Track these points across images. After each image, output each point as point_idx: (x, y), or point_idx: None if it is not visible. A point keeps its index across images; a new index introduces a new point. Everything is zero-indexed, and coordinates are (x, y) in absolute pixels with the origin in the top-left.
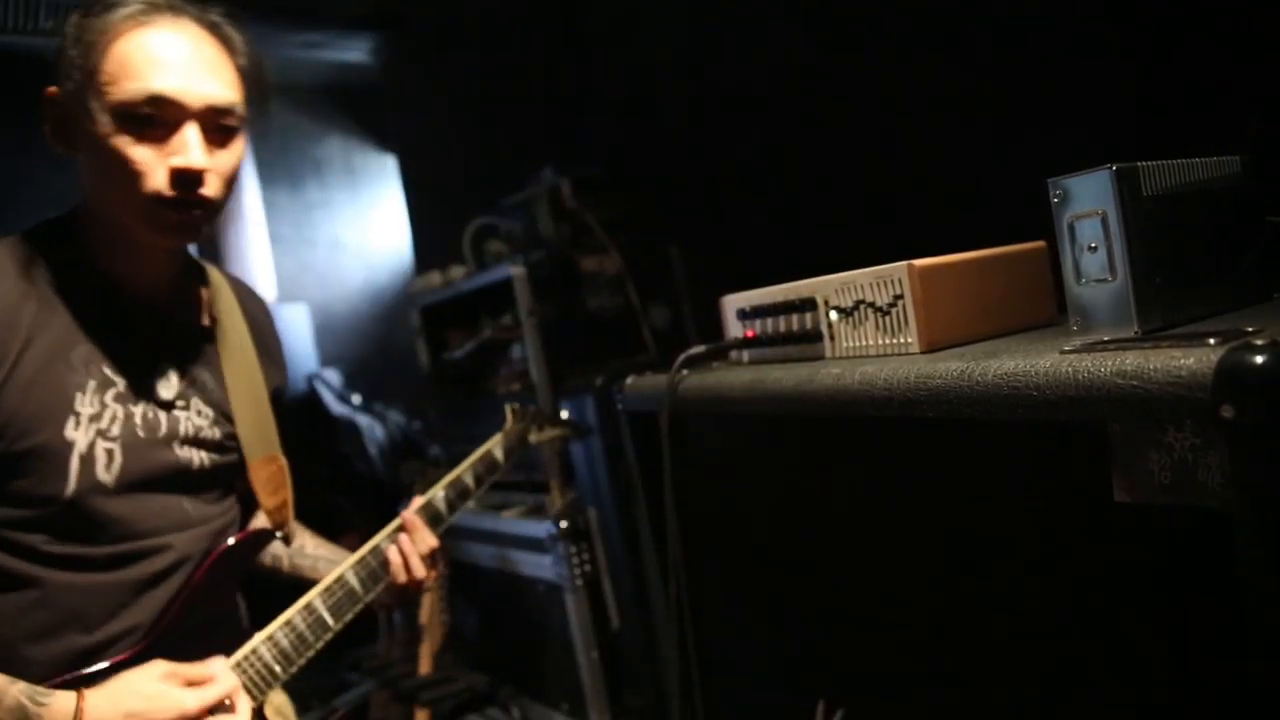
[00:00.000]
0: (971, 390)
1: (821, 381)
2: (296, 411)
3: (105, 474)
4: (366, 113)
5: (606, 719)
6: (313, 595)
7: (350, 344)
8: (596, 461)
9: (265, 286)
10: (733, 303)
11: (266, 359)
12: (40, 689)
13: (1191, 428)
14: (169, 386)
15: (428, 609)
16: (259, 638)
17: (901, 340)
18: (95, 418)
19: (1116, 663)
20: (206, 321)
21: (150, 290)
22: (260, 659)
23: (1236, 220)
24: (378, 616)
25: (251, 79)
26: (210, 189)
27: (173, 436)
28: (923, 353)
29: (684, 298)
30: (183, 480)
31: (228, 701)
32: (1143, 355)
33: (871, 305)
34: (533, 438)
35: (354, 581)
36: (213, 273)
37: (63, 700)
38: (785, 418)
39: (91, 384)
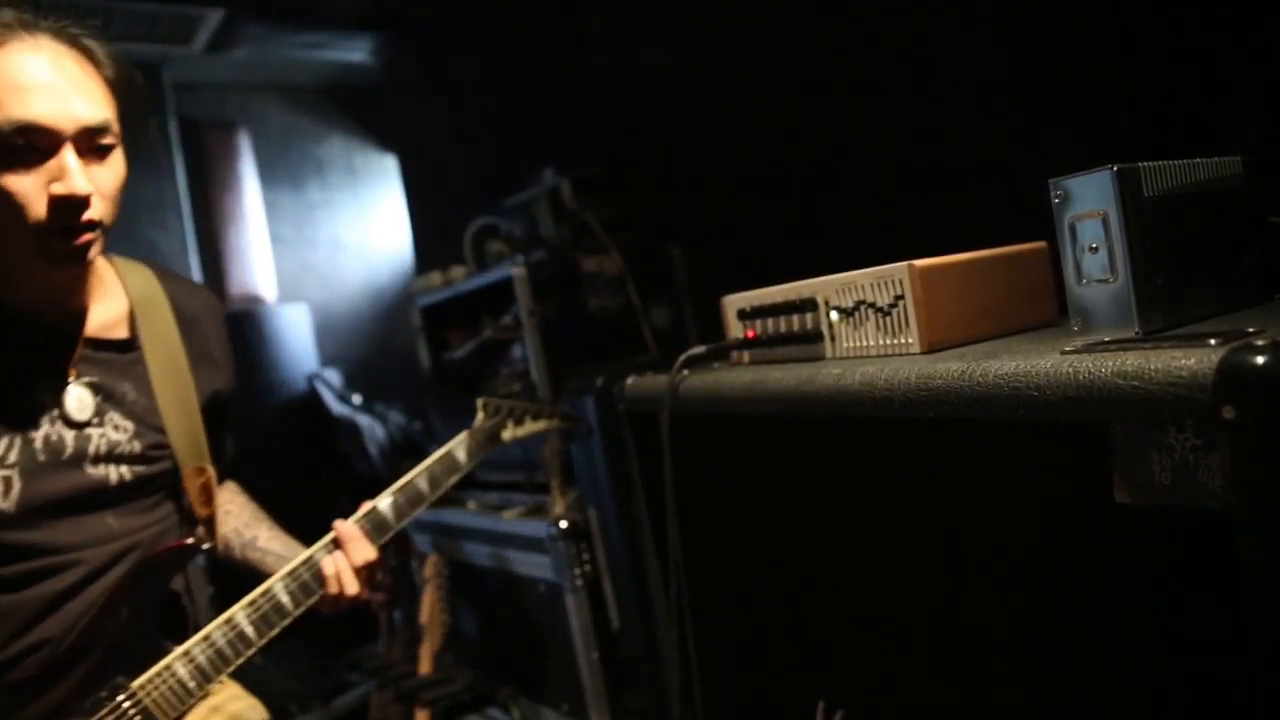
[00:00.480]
0: (972, 391)
1: (822, 382)
2: (296, 411)
3: (4, 502)
4: (367, 113)
5: (606, 719)
6: (236, 609)
7: (351, 344)
8: (597, 461)
9: (266, 286)
10: (733, 303)
11: (205, 363)
12: None
13: (1193, 428)
14: (82, 406)
15: (428, 609)
16: (175, 654)
17: (902, 340)
18: None
19: (1117, 663)
20: (125, 334)
21: (54, 313)
22: (174, 676)
23: (1238, 221)
24: (378, 617)
25: (122, 91)
26: (95, 211)
27: (82, 456)
28: (923, 353)
29: (685, 298)
30: (100, 497)
31: None
32: (1143, 356)
33: (872, 306)
34: (507, 435)
35: (283, 596)
36: (138, 279)
37: None
38: (786, 418)
39: None
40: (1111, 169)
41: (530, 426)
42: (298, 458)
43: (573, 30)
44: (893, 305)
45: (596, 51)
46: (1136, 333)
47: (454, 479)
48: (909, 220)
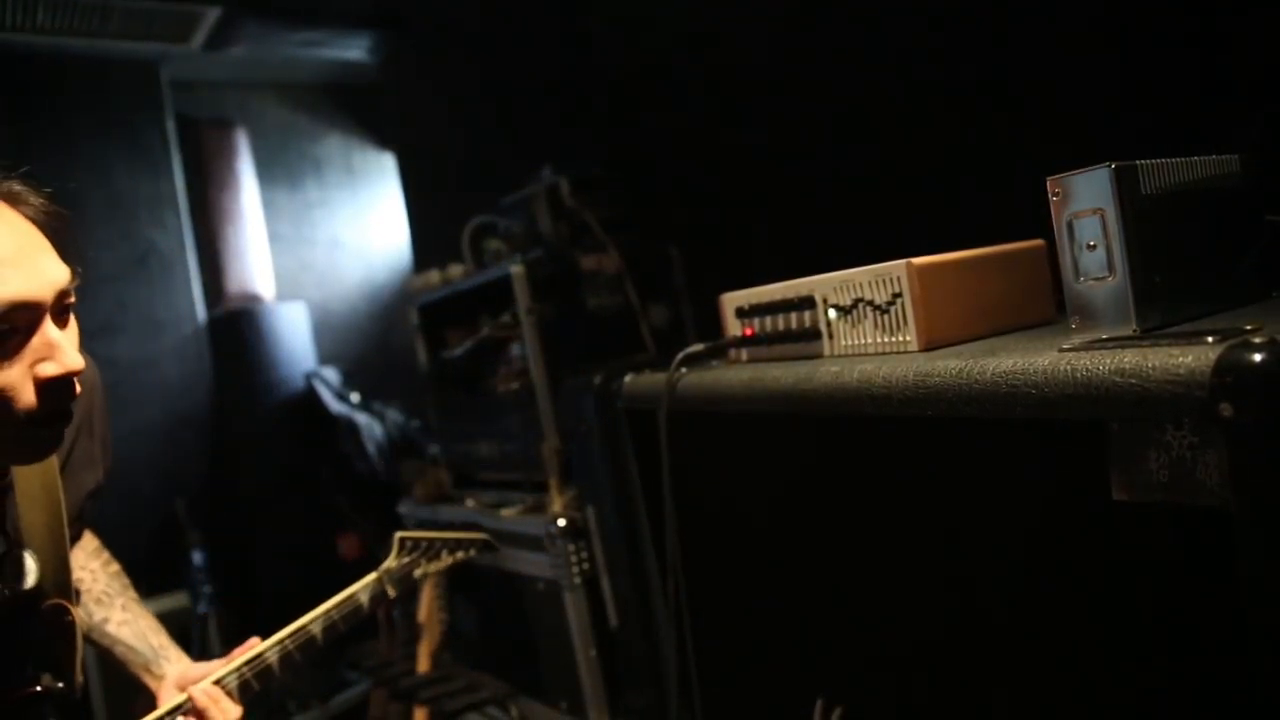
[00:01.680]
0: (970, 389)
1: (820, 380)
2: (294, 410)
3: None
4: (366, 111)
5: (605, 718)
6: None
7: (349, 342)
8: (595, 460)
9: (264, 285)
10: (731, 301)
11: (82, 467)
12: None
13: (1190, 426)
14: None
15: (426, 608)
16: None
17: (900, 338)
18: None
19: (1115, 660)
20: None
21: None
22: None
23: (1236, 219)
24: (376, 615)
25: (55, 235)
26: (76, 385)
27: None
28: (921, 351)
29: (683, 297)
30: None
31: None
32: (1141, 353)
33: (870, 303)
34: (419, 572)
35: None
36: None
37: None
38: (784, 416)
39: None
40: (1109, 166)
41: (445, 561)
42: (296, 456)
43: (571, 29)
44: (891, 303)
45: (595, 50)
46: (1134, 330)
47: (352, 624)
48: (907, 218)
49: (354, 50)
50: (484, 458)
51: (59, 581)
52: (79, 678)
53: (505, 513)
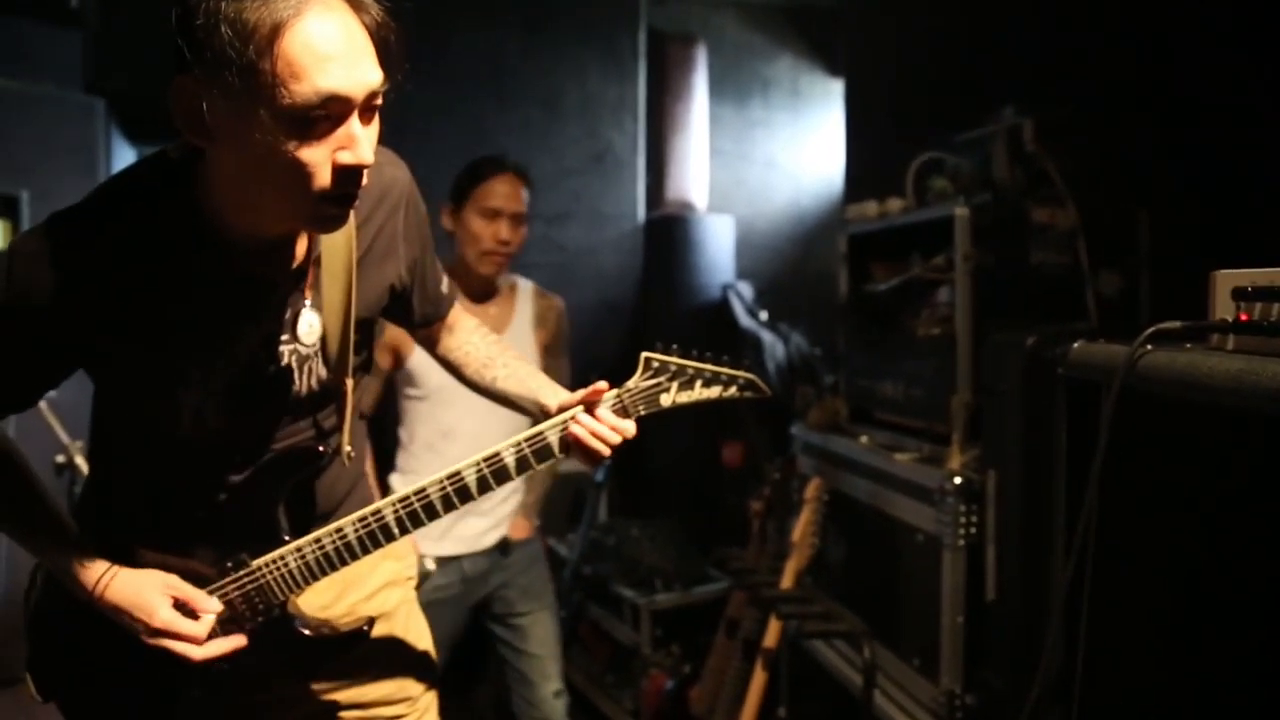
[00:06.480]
0: None
1: None
2: (709, 317)
3: (217, 421)
4: (819, 35)
5: (958, 688)
6: (346, 521)
7: (767, 261)
8: (1010, 424)
9: (698, 195)
10: (1228, 279)
11: (381, 258)
12: (90, 552)
13: None
14: (311, 331)
15: (801, 529)
16: (289, 547)
17: None
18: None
19: None
20: (299, 260)
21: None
22: (285, 566)
23: None
24: (752, 524)
25: (384, 42)
26: (366, 175)
27: (289, 369)
28: None
29: (1144, 267)
30: (294, 405)
31: (191, 630)
32: None
33: None
34: (667, 400)
35: (390, 518)
36: None
37: (97, 570)
38: (1258, 418)
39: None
40: None
41: (700, 394)
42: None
43: None
44: None
45: None
46: None
47: (545, 464)
48: None
49: None
50: (887, 397)
51: (340, 350)
52: (346, 445)
53: (900, 457)
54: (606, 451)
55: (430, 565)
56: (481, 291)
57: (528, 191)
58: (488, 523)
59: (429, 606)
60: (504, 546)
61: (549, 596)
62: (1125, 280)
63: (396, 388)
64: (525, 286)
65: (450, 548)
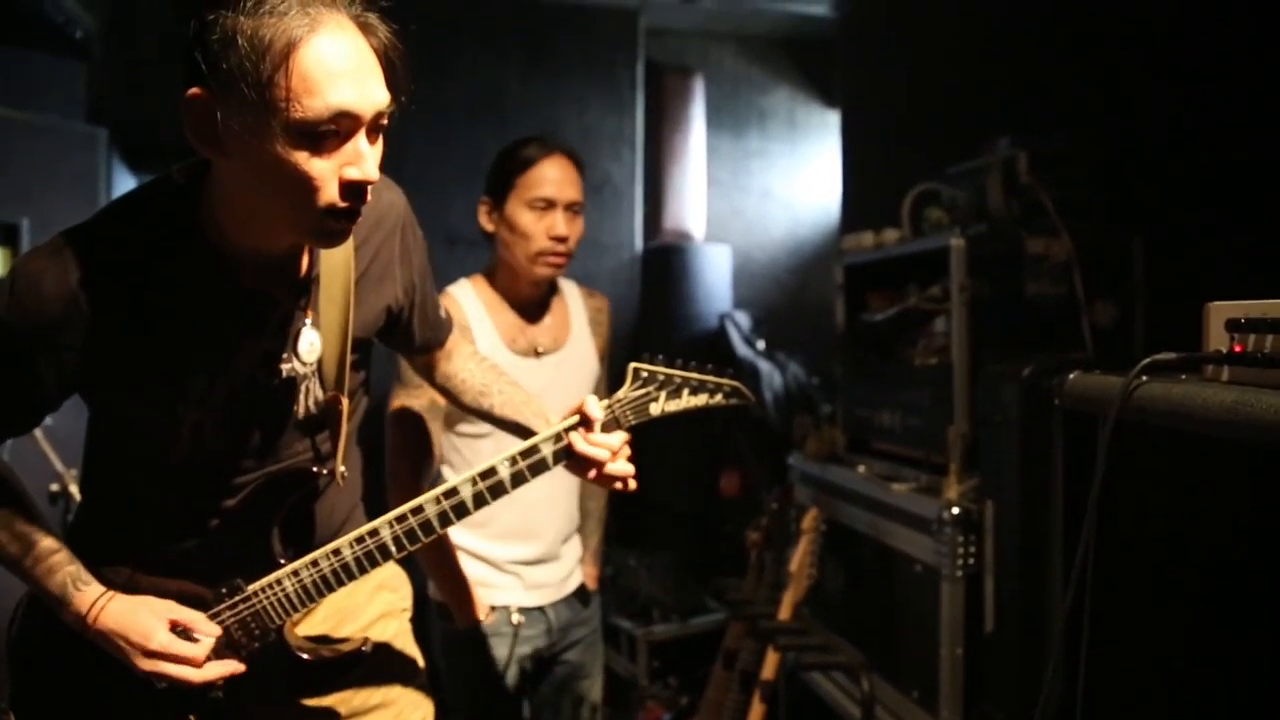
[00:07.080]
0: None
1: None
2: (705, 346)
3: (219, 442)
4: (815, 68)
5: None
6: (343, 541)
7: (763, 290)
8: (1008, 454)
9: (695, 225)
10: (1222, 310)
11: (379, 280)
12: (85, 576)
13: None
14: (312, 349)
15: (798, 559)
16: (284, 570)
17: None
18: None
19: None
20: (310, 268)
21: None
22: (281, 589)
23: None
24: (749, 554)
25: (390, 65)
26: (370, 193)
27: (293, 388)
28: None
29: (1138, 298)
30: (294, 425)
31: (189, 652)
32: None
33: None
34: (656, 408)
35: (386, 536)
36: None
37: (91, 594)
38: (1257, 450)
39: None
40: None
41: (688, 401)
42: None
43: None
44: None
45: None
46: None
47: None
48: None
49: (819, 4)
50: (884, 427)
51: (337, 370)
52: (339, 466)
53: (897, 487)
54: (606, 456)
55: (517, 618)
56: (532, 302)
57: (581, 176)
58: (564, 568)
59: (517, 660)
60: (583, 594)
61: (601, 660)
62: (1120, 310)
63: (446, 427)
64: (570, 289)
65: (535, 598)
